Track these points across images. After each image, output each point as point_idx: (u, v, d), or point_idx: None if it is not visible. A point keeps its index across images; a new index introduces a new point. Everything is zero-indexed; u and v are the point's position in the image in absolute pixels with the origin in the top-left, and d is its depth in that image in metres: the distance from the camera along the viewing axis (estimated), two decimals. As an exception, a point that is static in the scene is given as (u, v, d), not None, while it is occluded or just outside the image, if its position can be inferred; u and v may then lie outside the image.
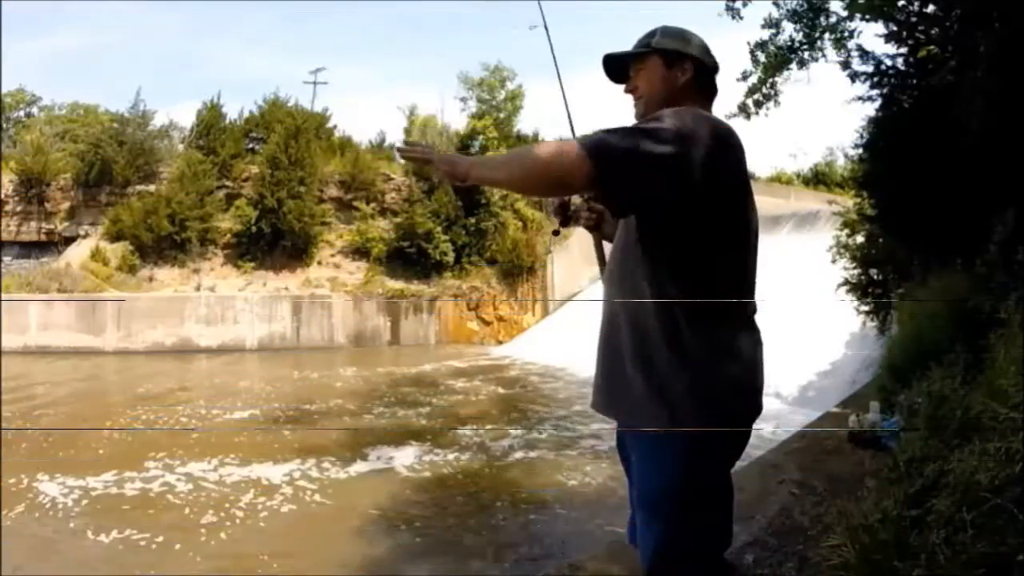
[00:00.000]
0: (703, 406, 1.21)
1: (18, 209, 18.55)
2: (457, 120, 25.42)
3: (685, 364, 1.22)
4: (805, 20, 7.58)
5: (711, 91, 1.43)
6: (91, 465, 6.77)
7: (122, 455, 7.20)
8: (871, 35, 24.01)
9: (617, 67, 1.47)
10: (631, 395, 1.27)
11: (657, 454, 1.23)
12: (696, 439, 1.20)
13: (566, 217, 1.60)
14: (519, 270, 18.71)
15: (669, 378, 1.22)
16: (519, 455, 7.25)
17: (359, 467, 6.79)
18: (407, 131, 22.36)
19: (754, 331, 1.31)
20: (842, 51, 7.34)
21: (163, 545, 4.97)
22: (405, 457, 7.12)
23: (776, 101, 8.05)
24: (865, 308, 7.32)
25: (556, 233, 1.70)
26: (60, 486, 6.16)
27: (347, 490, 6.20)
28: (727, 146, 1.21)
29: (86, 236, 18.41)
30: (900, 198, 5.85)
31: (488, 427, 8.47)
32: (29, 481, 6.26)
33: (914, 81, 6.19)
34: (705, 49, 1.41)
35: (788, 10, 7.65)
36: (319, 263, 18.94)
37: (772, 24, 7.72)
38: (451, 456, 7.20)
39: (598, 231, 1.63)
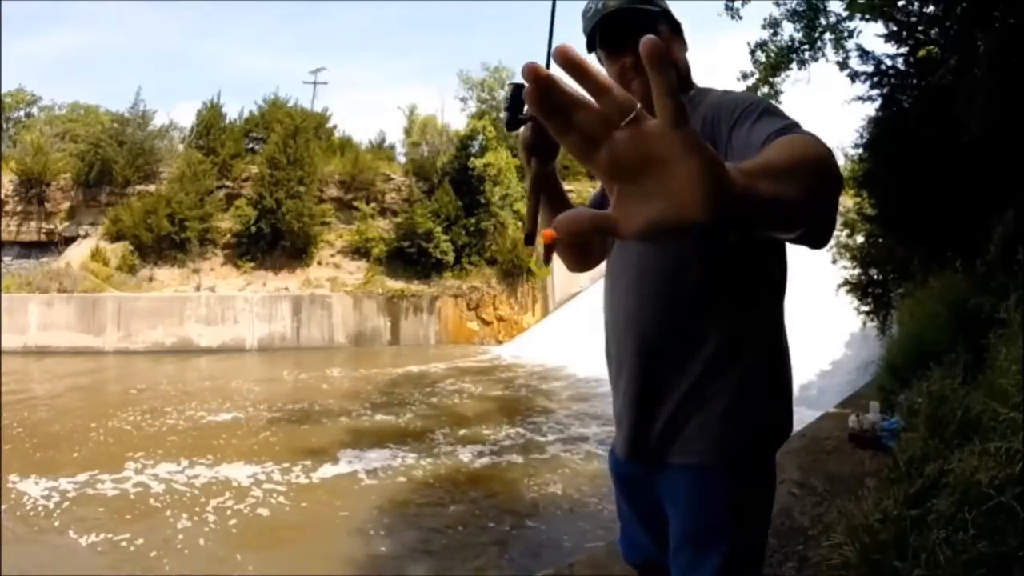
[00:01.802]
0: (768, 428, 1.16)
1: (18, 209, 18.55)
2: (457, 120, 25.46)
3: (753, 386, 1.14)
4: (805, 20, 7.59)
5: None
6: (70, 465, 6.83)
7: (101, 456, 7.25)
8: (871, 35, 24.05)
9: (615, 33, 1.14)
10: (689, 426, 1.14)
11: (720, 485, 1.14)
12: (762, 465, 1.16)
13: (515, 119, 1.04)
14: (519, 270, 18.72)
15: (736, 402, 1.12)
16: (492, 460, 7.24)
17: (326, 471, 6.78)
18: (407, 131, 22.37)
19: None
20: (842, 51, 7.35)
21: (141, 547, 5.00)
22: (377, 461, 7.09)
23: (776, 101, 8.06)
24: (865, 308, 7.33)
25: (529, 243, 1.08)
26: (39, 486, 6.20)
27: (314, 495, 6.20)
28: None
29: (86, 236, 18.41)
30: (900, 198, 5.85)
31: (462, 431, 8.41)
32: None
33: (914, 81, 6.19)
34: None
35: (788, 10, 7.67)
36: (319, 263, 18.94)
37: (772, 24, 7.74)
38: (421, 460, 7.18)
39: (542, 162, 1.08)
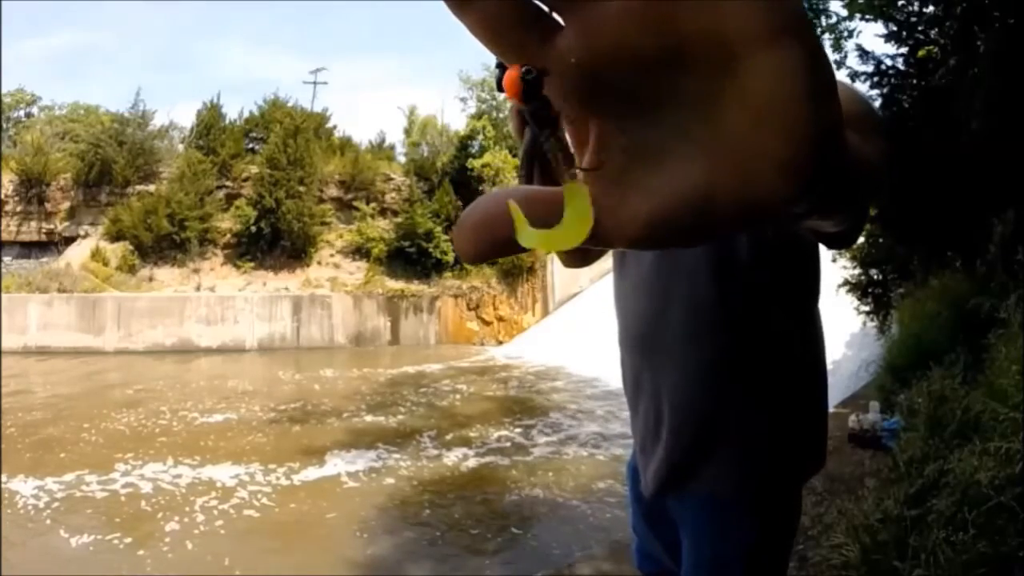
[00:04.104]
0: (796, 459, 1.08)
1: (18, 209, 18.54)
2: (457, 120, 25.47)
3: (781, 412, 1.03)
4: (805, 20, 7.58)
5: None
6: (60, 465, 6.86)
7: (91, 456, 7.29)
8: (871, 35, 24.05)
9: None
10: (709, 455, 1.05)
11: (737, 519, 1.08)
12: (785, 499, 1.10)
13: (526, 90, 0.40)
14: (519, 270, 18.72)
15: (760, 431, 1.03)
16: (485, 461, 7.24)
17: (308, 473, 6.78)
18: (407, 131, 22.37)
19: None
20: (841, 51, 7.35)
21: (129, 546, 5.03)
22: (368, 463, 7.09)
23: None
24: (865, 308, 7.33)
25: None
26: (27, 485, 6.23)
27: (294, 497, 6.21)
28: None
29: (86, 236, 18.41)
30: (900, 198, 5.86)
31: (446, 434, 8.40)
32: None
33: (914, 81, 6.20)
34: None
35: (788, 10, 7.66)
36: (319, 263, 18.94)
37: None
38: (415, 462, 7.17)
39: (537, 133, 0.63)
